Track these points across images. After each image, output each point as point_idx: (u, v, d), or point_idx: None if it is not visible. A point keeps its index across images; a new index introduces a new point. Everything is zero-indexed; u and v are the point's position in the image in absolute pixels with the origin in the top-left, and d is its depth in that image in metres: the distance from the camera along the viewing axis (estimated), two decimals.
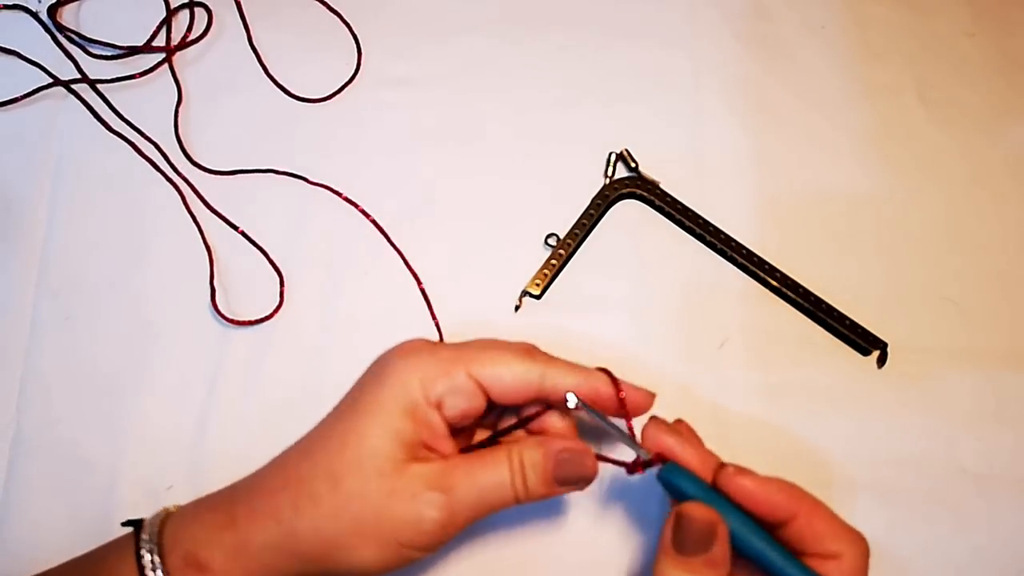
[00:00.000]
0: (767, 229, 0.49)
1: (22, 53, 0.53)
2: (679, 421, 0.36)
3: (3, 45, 0.53)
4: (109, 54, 0.53)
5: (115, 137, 0.51)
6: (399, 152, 0.51)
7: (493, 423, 0.38)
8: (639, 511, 0.42)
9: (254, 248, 0.48)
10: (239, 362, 0.45)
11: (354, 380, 0.36)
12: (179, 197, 0.49)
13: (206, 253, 0.48)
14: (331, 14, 0.55)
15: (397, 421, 0.32)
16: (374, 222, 0.49)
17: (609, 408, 0.35)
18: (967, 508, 0.42)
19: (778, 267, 0.47)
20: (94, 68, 0.53)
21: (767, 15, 0.56)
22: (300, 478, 0.33)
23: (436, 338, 0.46)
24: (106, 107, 0.52)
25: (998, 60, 0.55)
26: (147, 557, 0.32)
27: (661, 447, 0.34)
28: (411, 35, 0.55)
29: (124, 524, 0.35)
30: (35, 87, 0.52)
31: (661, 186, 0.49)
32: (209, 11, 0.55)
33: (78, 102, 0.52)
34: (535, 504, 0.34)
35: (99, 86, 0.52)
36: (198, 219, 0.49)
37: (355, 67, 0.54)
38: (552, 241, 0.48)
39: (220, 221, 0.49)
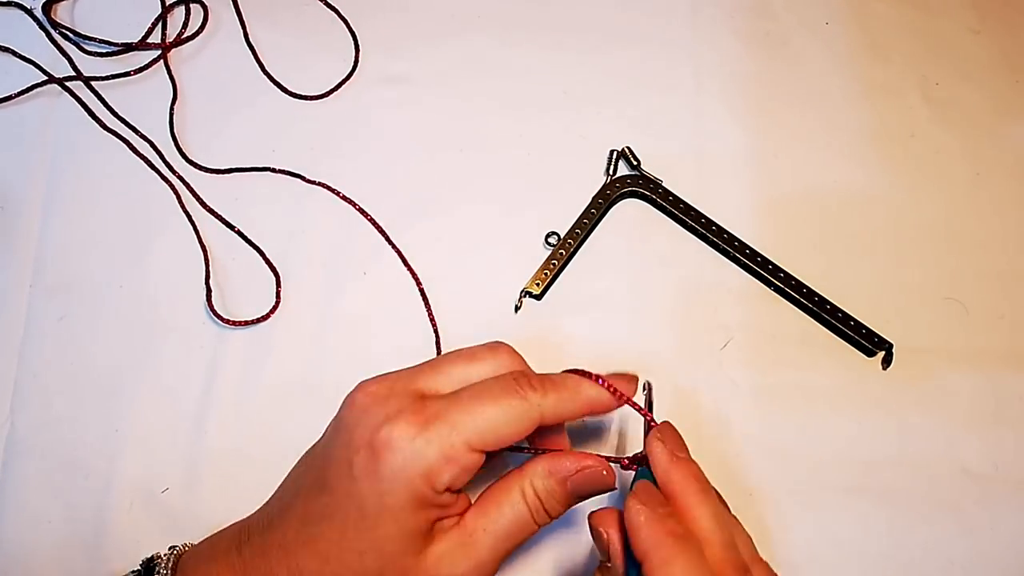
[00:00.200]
0: (770, 228, 0.49)
1: (16, 50, 0.52)
2: (666, 423, 0.35)
3: None
4: (104, 51, 0.53)
5: (110, 135, 0.51)
6: (397, 150, 0.51)
7: None
8: None
9: (250, 247, 0.48)
10: (235, 363, 0.45)
11: (352, 381, 0.34)
12: (175, 196, 0.49)
13: (202, 253, 0.47)
14: (329, 11, 0.55)
15: (411, 521, 0.31)
16: (372, 221, 0.48)
17: (605, 406, 0.34)
18: (969, 509, 0.42)
19: (781, 266, 0.47)
20: (89, 65, 0.52)
21: (769, 12, 0.55)
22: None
23: (432, 339, 0.46)
24: (101, 105, 0.51)
25: (1003, 58, 0.54)
26: None
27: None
28: (410, 33, 0.54)
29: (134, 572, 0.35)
30: (29, 84, 0.51)
31: (663, 184, 0.49)
32: (205, 8, 0.54)
33: (73, 100, 0.51)
34: None
35: (94, 83, 0.52)
36: (194, 218, 0.48)
37: (352, 65, 0.53)
38: (552, 240, 0.47)
39: (216, 220, 0.49)
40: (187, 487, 0.42)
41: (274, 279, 0.47)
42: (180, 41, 0.53)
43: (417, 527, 0.31)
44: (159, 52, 0.53)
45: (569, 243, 0.47)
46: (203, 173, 0.50)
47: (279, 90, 0.52)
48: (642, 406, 0.35)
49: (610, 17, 0.55)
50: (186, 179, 0.50)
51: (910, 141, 0.52)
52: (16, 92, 0.51)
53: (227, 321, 0.45)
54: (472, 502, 0.34)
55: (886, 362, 0.45)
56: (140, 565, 0.34)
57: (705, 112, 0.52)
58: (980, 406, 0.44)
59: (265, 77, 0.53)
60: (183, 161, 0.50)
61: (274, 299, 0.46)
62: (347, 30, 0.54)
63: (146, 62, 0.52)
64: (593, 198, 0.49)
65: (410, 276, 0.47)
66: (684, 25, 0.55)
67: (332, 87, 0.52)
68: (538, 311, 0.47)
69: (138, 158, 0.50)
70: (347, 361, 0.45)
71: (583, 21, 0.55)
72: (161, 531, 0.40)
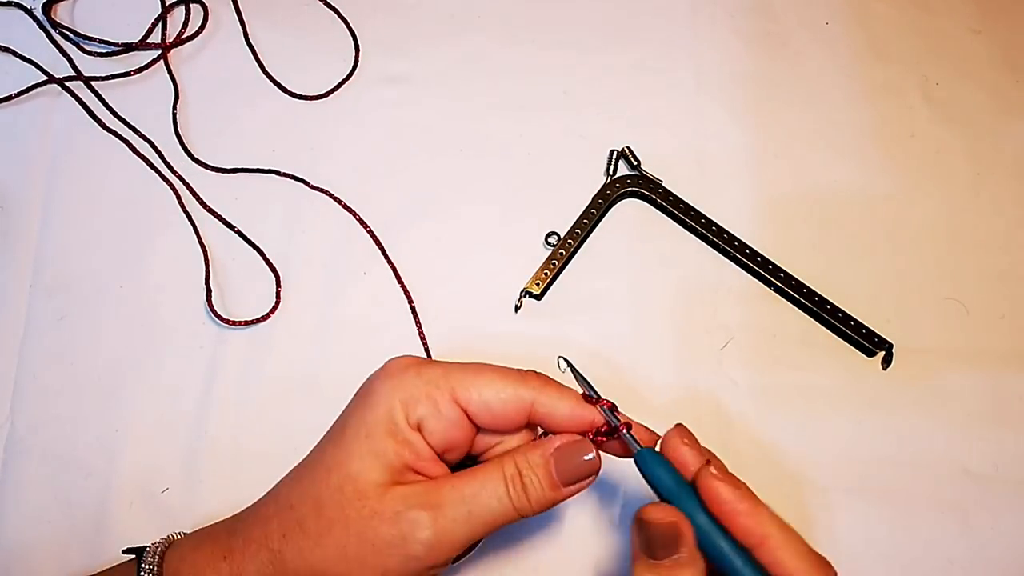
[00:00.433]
0: (770, 228, 0.49)
1: (16, 50, 0.52)
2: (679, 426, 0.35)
3: None
4: (104, 51, 0.53)
5: (110, 135, 0.50)
6: (397, 150, 0.51)
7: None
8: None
9: (250, 247, 0.48)
10: (235, 363, 0.45)
11: (353, 381, 0.35)
12: (175, 196, 0.49)
13: (202, 253, 0.47)
14: (329, 11, 0.55)
15: (379, 443, 0.31)
16: (371, 232, 0.48)
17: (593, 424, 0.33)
18: (970, 509, 0.42)
19: (781, 266, 0.47)
20: (89, 65, 0.52)
21: (769, 12, 0.55)
22: (290, 505, 0.32)
23: (429, 343, 0.46)
24: (101, 105, 0.51)
25: (1004, 58, 0.54)
26: None
27: (675, 454, 0.32)
28: (410, 33, 0.54)
29: (125, 552, 0.35)
30: (29, 85, 0.51)
31: (663, 184, 0.49)
32: (205, 8, 0.54)
33: (73, 100, 0.51)
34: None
35: (94, 83, 0.52)
36: (194, 218, 0.48)
37: (352, 65, 0.53)
38: (552, 240, 0.47)
39: (216, 220, 0.48)
40: (187, 487, 0.42)
41: (274, 279, 0.47)
42: (180, 41, 0.53)
43: (384, 452, 0.31)
44: (159, 52, 0.53)
45: (569, 243, 0.47)
46: (205, 174, 0.50)
47: (279, 90, 0.52)
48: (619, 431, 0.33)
49: (610, 17, 0.55)
50: (186, 179, 0.49)
51: (910, 141, 0.52)
52: (16, 92, 0.51)
53: (227, 321, 0.45)
54: None
55: (886, 362, 0.45)
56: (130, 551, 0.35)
57: (705, 112, 0.52)
58: (980, 406, 0.44)
59: (265, 77, 0.53)
60: (185, 161, 0.50)
61: (274, 299, 0.46)
62: (347, 30, 0.54)
63: (146, 62, 0.52)
64: (593, 198, 0.49)
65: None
66: (684, 25, 0.55)
67: (332, 87, 0.52)
68: (538, 311, 0.47)
69: (138, 158, 0.50)
70: (347, 361, 0.45)
71: (583, 21, 0.55)
72: (161, 531, 0.40)
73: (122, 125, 0.51)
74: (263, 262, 0.47)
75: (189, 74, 0.53)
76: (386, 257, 0.47)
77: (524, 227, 0.48)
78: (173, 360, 0.45)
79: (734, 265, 0.48)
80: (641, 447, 0.32)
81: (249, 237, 0.48)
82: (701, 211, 0.48)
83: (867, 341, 0.45)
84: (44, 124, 0.51)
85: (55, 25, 0.53)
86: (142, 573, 0.32)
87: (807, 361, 0.45)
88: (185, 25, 0.54)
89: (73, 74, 0.52)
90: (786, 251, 0.47)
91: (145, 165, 0.50)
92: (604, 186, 0.49)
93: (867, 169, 0.51)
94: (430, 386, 0.32)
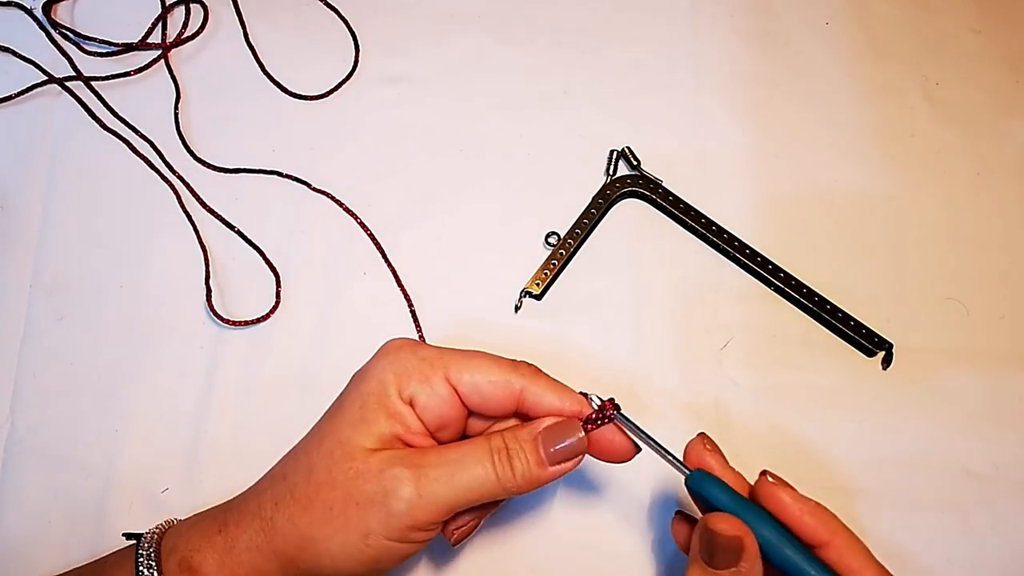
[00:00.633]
0: (770, 228, 0.49)
1: (16, 50, 0.52)
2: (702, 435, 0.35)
3: None
4: (104, 51, 0.53)
5: (110, 135, 0.50)
6: (397, 150, 0.51)
7: None
8: (629, 508, 0.41)
9: (250, 247, 0.48)
10: (235, 363, 0.45)
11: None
12: (175, 196, 0.49)
13: (202, 253, 0.47)
14: (329, 11, 0.55)
15: (370, 414, 0.32)
16: (370, 235, 0.48)
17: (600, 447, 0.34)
18: (970, 510, 0.42)
19: (781, 266, 0.47)
20: (89, 65, 0.52)
21: (769, 12, 0.55)
22: (283, 476, 0.33)
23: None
24: (101, 105, 0.51)
25: (1004, 58, 0.54)
26: (144, 571, 0.32)
27: (700, 460, 0.33)
28: (410, 33, 0.54)
29: (125, 535, 0.35)
30: (29, 85, 0.51)
31: (663, 184, 0.49)
32: (205, 7, 0.54)
33: (73, 100, 0.51)
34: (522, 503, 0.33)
35: (94, 83, 0.52)
36: (194, 218, 0.48)
37: (352, 65, 0.53)
38: (552, 240, 0.47)
39: (216, 220, 0.48)
40: (187, 487, 0.42)
41: (274, 279, 0.47)
42: (180, 41, 0.53)
43: (375, 421, 0.32)
44: (159, 52, 0.53)
45: (569, 243, 0.47)
46: (205, 174, 0.50)
47: (279, 90, 0.52)
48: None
49: (610, 17, 0.55)
50: (186, 179, 0.49)
51: (911, 141, 0.52)
52: (16, 92, 0.51)
53: (227, 321, 0.45)
54: None
55: (886, 362, 0.45)
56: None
57: (705, 112, 0.52)
58: (980, 406, 0.44)
59: (265, 77, 0.53)
60: (185, 161, 0.50)
61: (274, 299, 0.46)
62: (347, 30, 0.54)
63: (146, 62, 0.52)
64: (593, 198, 0.49)
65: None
66: (684, 25, 0.55)
67: (332, 87, 0.52)
68: (538, 311, 0.47)
69: (138, 158, 0.50)
70: (347, 361, 0.44)
71: (583, 21, 0.55)
72: None
73: (122, 125, 0.51)
74: (263, 262, 0.47)
75: (189, 74, 0.53)
76: (385, 258, 0.47)
77: (524, 227, 0.48)
78: (173, 360, 0.45)
79: (734, 265, 0.48)
80: (691, 470, 0.33)
81: (249, 237, 0.48)
82: (701, 211, 0.48)
83: (867, 341, 0.45)
84: (44, 124, 0.51)
85: (55, 25, 0.53)
86: (140, 553, 0.32)
87: (807, 361, 0.45)
88: (185, 25, 0.54)
89: (73, 74, 0.52)
90: (786, 251, 0.47)
91: (145, 165, 0.50)
92: (604, 186, 0.49)
93: (867, 169, 0.51)
94: (424, 363, 0.33)
